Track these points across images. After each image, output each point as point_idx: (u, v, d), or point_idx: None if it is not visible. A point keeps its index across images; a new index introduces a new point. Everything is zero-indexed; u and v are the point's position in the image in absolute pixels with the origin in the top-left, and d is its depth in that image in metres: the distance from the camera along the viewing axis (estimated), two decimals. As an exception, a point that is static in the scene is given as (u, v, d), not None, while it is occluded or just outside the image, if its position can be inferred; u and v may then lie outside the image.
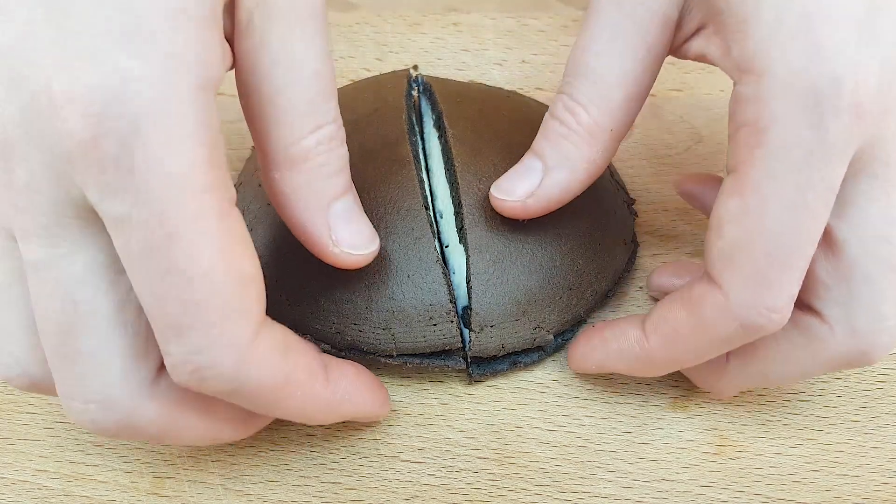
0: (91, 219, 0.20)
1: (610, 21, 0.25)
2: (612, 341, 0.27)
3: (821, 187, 0.22)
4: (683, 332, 0.25)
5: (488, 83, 0.38)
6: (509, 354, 0.29)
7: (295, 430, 0.30)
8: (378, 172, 0.29)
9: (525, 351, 0.30)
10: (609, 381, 0.31)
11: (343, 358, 0.27)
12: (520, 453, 0.29)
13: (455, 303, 0.28)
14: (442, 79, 0.35)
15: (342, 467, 0.29)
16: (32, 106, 0.19)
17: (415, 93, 0.34)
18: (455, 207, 0.30)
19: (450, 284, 0.28)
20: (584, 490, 0.29)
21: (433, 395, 0.30)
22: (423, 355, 0.29)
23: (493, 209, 0.28)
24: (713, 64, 0.24)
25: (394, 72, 0.35)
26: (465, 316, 0.29)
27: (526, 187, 0.27)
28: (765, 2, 0.22)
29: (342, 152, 0.24)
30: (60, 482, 0.29)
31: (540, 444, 0.30)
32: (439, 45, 0.39)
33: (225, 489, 0.29)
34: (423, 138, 0.32)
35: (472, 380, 0.30)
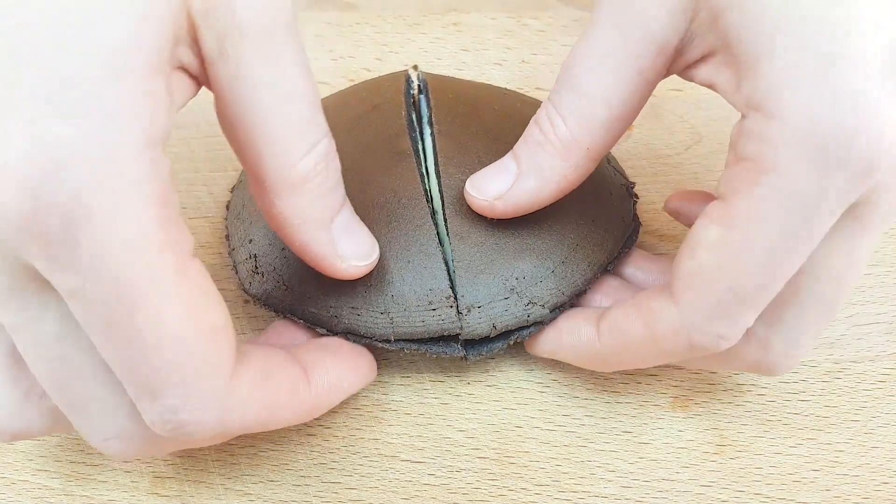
0: (49, 284, 0.19)
1: (605, 38, 0.24)
2: (566, 334, 0.27)
3: (807, 238, 0.21)
4: (635, 340, 0.25)
5: (488, 83, 0.38)
6: (504, 333, 0.29)
7: (295, 430, 0.30)
8: (379, 164, 0.30)
9: (521, 328, 0.29)
10: (609, 381, 0.31)
11: None
12: (520, 453, 0.29)
13: (455, 289, 0.28)
14: (441, 76, 0.35)
15: (342, 467, 0.29)
16: None
17: (414, 91, 0.34)
18: (441, 199, 0.30)
19: (450, 272, 0.28)
20: (584, 490, 0.29)
21: (433, 395, 0.30)
22: (420, 341, 0.28)
23: None
24: (721, 94, 0.23)
25: (393, 73, 0.35)
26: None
27: (497, 188, 0.26)
28: (780, 39, 0.20)
29: (337, 164, 0.24)
30: (60, 482, 0.29)
31: (540, 444, 0.30)
32: (439, 45, 0.39)
33: (225, 489, 0.29)
34: (422, 137, 0.32)
35: (467, 362, 0.30)
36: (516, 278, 0.28)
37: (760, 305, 0.22)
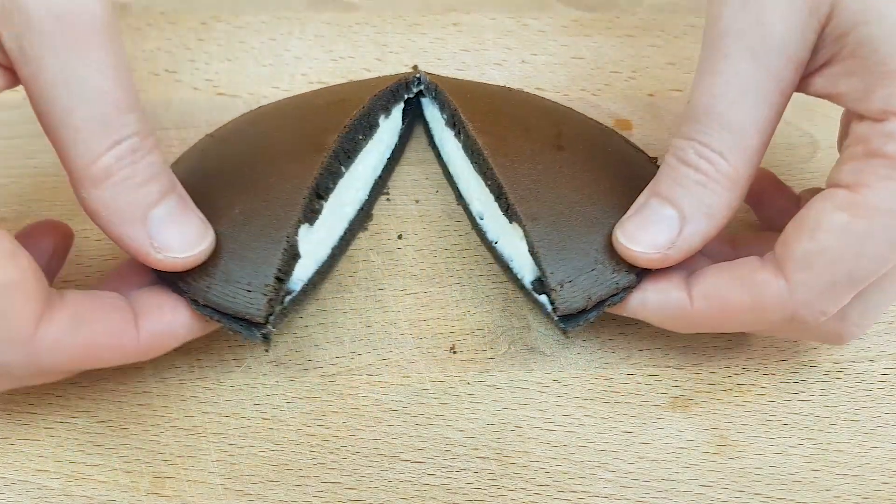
0: None
1: (743, 69, 0.24)
2: (652, 293, 0.28)
3: None
4: (735, 307, 0.26)
5: (488, 83, 0.38)
6: (598, 303, 0.29)
7: (295, 430, 0.30)
8: (294, 151, 0.30)
9: (612, 295, 0.29)
10: (609, 381, 0.31)
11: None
12: (520, 453, 0.29)
13: (282, 281, 0.28)
14: (445, 77, 0.35)
15: (342, 467, 0.29)
16: None
17: (413, 92, 0.34)
18: (495, 193, 0.30)
19: (287, 268, 0.28)
20: (584, 490, 0.29)
21: (433, 395, 0.30)
22: (223, 314, 0.28)
23: (534, 183, 0.29)
24: (839, 103, 0.25)
25: (396, 74, 0.35)
26: (537, 284, 0.30)
27: (664, 238, 0.26)
28: None
29: (151, 160, 0.25)
30: (60, 482, 0.29)
31: (540, 443, 0.30)
32: (439, 45, 0.39)
33: (225, 489, 0.29)
34: (435, 144, 0.32)
35: (567, 335, 0.29)
36: (595, 249, 0.28)
37: (863, 287, 0.24)
